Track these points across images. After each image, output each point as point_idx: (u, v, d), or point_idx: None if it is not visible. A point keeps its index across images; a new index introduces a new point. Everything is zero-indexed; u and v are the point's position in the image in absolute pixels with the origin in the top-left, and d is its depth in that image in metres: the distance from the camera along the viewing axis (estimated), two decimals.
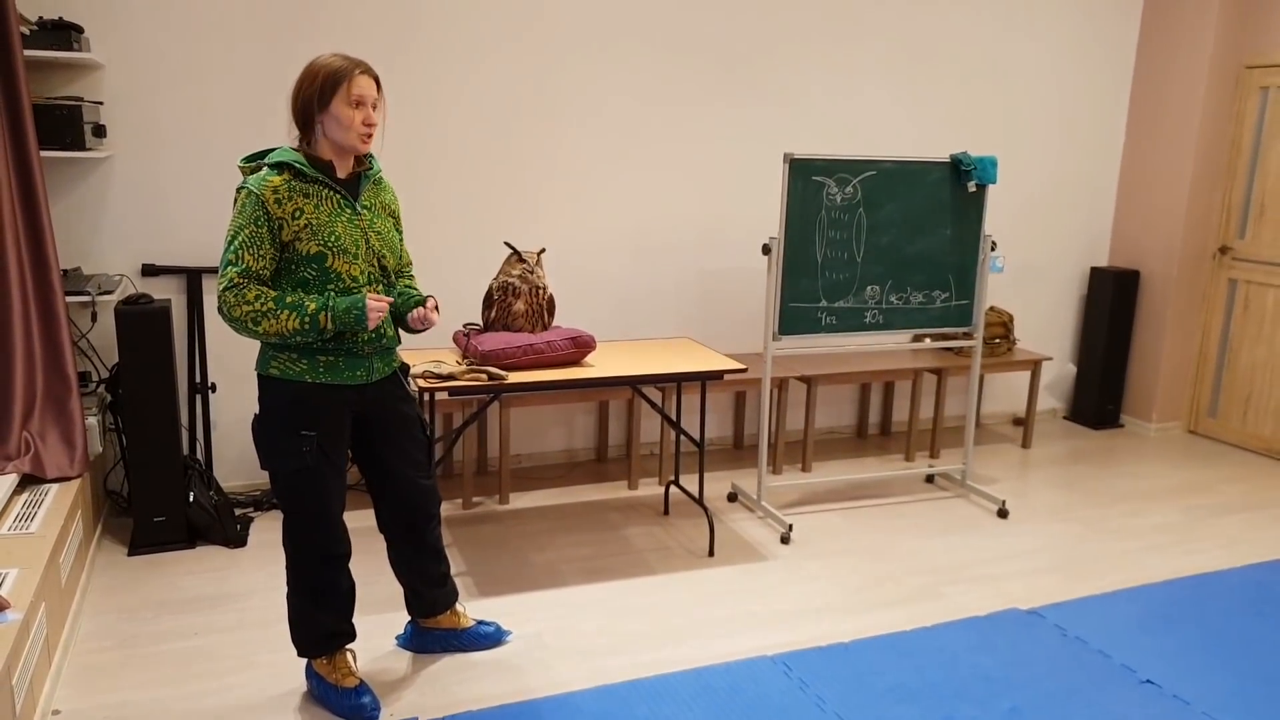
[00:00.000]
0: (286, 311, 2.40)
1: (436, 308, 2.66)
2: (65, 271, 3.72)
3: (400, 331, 2.72)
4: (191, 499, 3.71)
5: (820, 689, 2.86)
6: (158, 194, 3.93)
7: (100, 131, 3.71)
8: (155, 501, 3.64)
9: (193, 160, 3.95)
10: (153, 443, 3.60)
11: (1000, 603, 3.46)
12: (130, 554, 3.63)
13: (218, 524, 3.73)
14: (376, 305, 2.48)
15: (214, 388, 4.12)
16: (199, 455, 4.10)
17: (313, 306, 2.42)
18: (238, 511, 4.00)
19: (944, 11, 5.05)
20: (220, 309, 2.41)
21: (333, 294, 2.47)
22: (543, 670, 2.93)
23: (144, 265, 3.93)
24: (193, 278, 3.99)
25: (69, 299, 3.49)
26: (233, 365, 4.15)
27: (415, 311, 2.63)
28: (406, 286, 2.77)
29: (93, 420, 3.58)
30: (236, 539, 3.74)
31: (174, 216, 3.96)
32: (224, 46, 3.90)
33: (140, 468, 3.61)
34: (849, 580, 3.61)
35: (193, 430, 4.09)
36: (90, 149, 3.59)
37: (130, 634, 3.07)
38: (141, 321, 3.52)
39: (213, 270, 4.01)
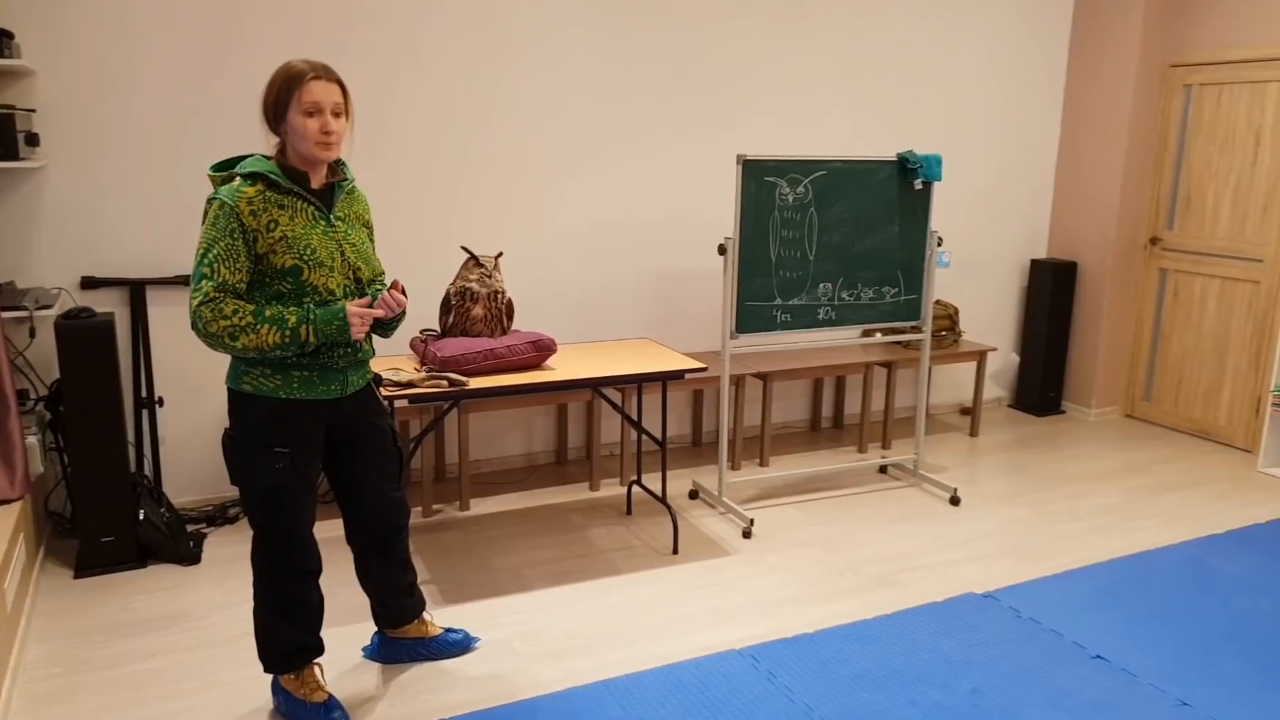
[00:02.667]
0: (266, 326, 2.33)
1: (403, 291, 2.52)
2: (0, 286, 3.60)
3: (374, 344, 2.67)
4: (141, 517, 3.61)
5: (788, 679, 2.91)
6: (95, 204, 3.82)
7: (33, 140, 3.59)
8: (103, 521, 3.54)
9: (131, 168, 3.85)
10: (98, 461, 3.49)
11: (956, 588, 3.55)
12: (77, 576, 3.52)
13: (170, 542, 3.64)
14: (360, 313, 2.42)
15: (161, 402, 4.02)
16: (147, 472, 4.00)
17: (293, 319, 2.36)
18: (190, 528, 3.91)
19: (888, 14, 5.15)
20: (195, 324, 2.32)
21: (311, 306, 2.41)
22: (513, 675, 2.93)
23: (83, 278, 3.82)
24: (136, 290, 3.89)
25: (4, 314, 3.37)
26: (180, 379, 4.05)
27: (381, 298, 2.48)
28: (375, 291, 2.70)
29: (33, 439, 3.47)
30: (190, 556, 3.66)
31: (113, 227, 3.85)
32: (161, 52, 3.81)
33: (85, 487, 3.50)
34: (810, 572, 3.67)
35: (140, 446, 3.99)
36: (23, 158, 3.47)
37: (82, 659, 2.98)
38: (83, 336, 3.41)
39: (157, 282, 3.91)
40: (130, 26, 3.75)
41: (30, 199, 3.73)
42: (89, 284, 3.82)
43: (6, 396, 3.31)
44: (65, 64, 3.69)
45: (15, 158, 3.42)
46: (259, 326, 2.33)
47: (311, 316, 2.38)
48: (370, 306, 2.50)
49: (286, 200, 2.41)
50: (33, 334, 3.72)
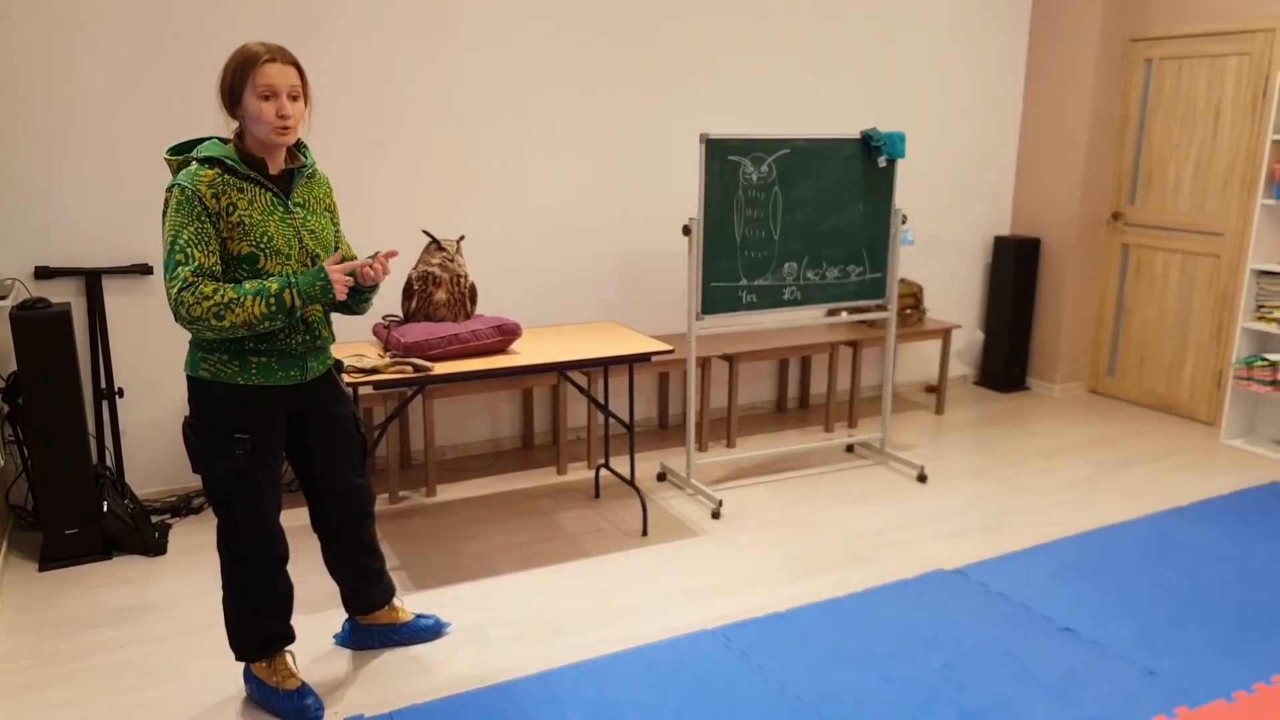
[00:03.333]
0: (251, 298, 2.30)
1: (384, 263, 2.50)
2: None
3: (333, 329, 2.64)
4: (105, 508, 3.56)
5: (761, 658, 2.93)
6: (48, 191, 3.73)
7: None
8: (66, 513, 3.49)
9: (84, 156, 3.76)
10: (59, 453, 3.44)
11: (925, 565, 3.58)
12: (42, 569, 3.47)
13: (135, 533, 3.60)
14: (340, 271, 2.40)
15: (121, 393, 3.96)
16: (109, 463, 3.94)
17: (275, 286, 2.33)
18: (155, 519, 3.86)
19: None
20: (178, 311, 2.27)
21: (289, 273, 2.39)
22: (486, 659, 2.92)
23: (37, 268, 3.74)
24: (92, 279, 3.82)
25: None
26: (140, 369, 3.99)
27: (364, 269, 2.46)
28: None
29: None
30: (156, 547, 3.62)
31: (66, 215, 3.77)
32: (108, 34, 3.72)
33: (47, 479, 3.44)
34: (780, 551, 3.69)
35: (101, 438, 3.93)
36: None
37: (50, 651, 2.94)
38: (39, 327, 3.35)
39: (113, 271, 3.83)
40: (83, 9, 3.66)
41: None
42: (43, 274, 3.75)
43: None
44: (15, 47, 3.60)
45: None
46: (243, 300, 2.30)
47: (294, 280, 2.36)
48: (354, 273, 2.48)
49: (245, 186, 2.37)
50: None
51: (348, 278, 2.43)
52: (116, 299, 3.90)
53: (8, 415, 3.64)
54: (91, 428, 3.89)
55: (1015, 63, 5.80)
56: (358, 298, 2.61)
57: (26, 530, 3.80)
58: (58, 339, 3.39)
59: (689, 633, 3.07)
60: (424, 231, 3.72)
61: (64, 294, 3.81)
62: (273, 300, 2.32)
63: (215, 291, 2.28)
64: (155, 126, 3.85)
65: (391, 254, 2.56)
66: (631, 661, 2.91)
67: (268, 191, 2.41)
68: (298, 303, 2.36)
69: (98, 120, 3.76)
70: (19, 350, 3.34)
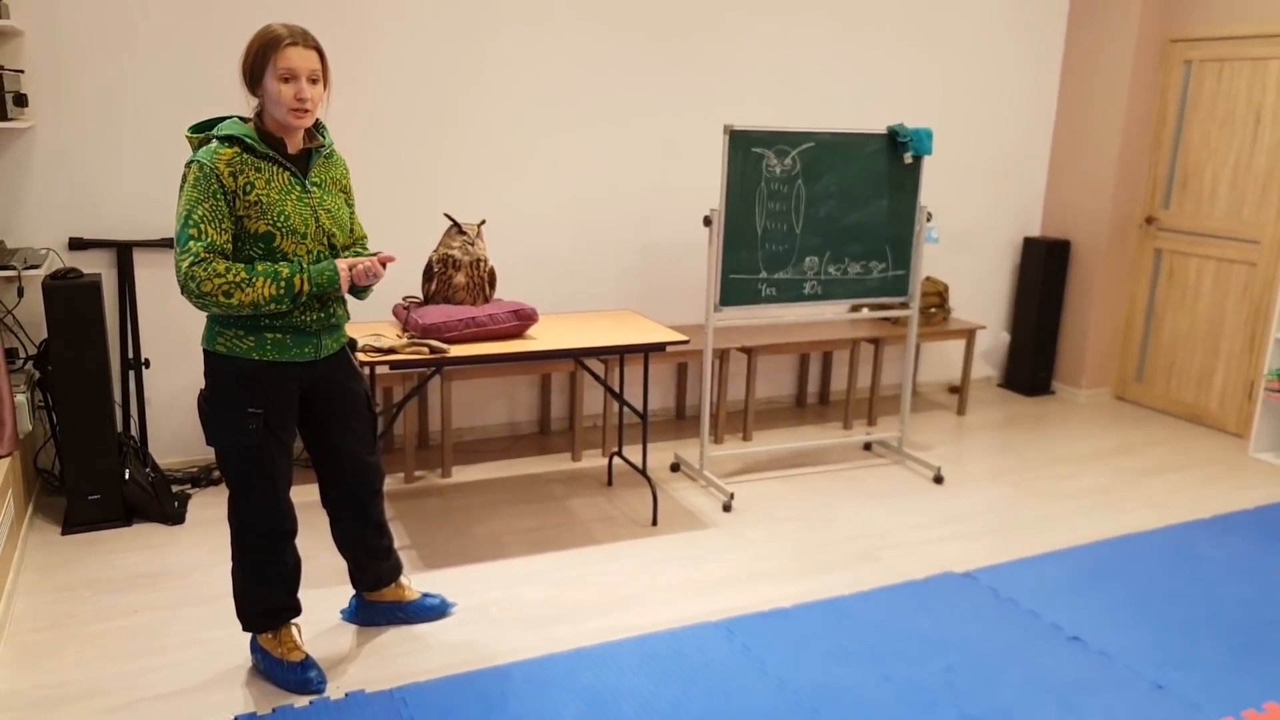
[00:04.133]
0: (261, 279, 2.35)
1: (384, 264, 2.56)
2: None
3: (348, 308, 2.68)
4: (127, 476, 3.64)
5: (762, 653, 2.93)
6: (83, 165, 3.81)
7: (21, 100, 3.58)
8: (89, 479, 3.57)
9: (119, 130, 3.83)
10: (85, 420, 3.52)
11: (936, 566, 3.56)
12: (64, 533, 3.56)
13: (155, 501, 3.67)
14: (345, 267, 2.48)
15: (148, 363, 4.03)
16: (133, 432, 4.02)
17: (286, 271, 2.39)
18: (175, 488, 3.94)
19: None
20: (187, 285, 2.31)
21: (300, 259, 2.44)
22: (488, 641, 2.95)
23: (71, 239, 3.82)
24: (123, 251, 3.89)
25: None
26: (166, 341, 4.07)
27: (360, 265, 2.51)
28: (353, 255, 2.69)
29: (21, 398, 3.48)
30: (174, 516, 3.69)
31: (101, 188, 3.85)
32: (148, 12, 3.78)
33: (73, 445, 3.53)
34: (789, 546, 3.68)
35: (126, 407, 4.01)
36: (11, 119, 3.47)
37: (67, 613, 3.02)
38: (70, 296, 3.42)
39: (144, 244, 3.91)
40: None
41: (19, 160, 3.72)
42: (77, 245, 3.83)
43: None
44: (54, 24, 3.67)
45: (4, 118, 3.42)
46: (254, 280, 2.35)
47: (304, 266, 2.42)
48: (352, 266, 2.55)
49: (263, 165, 2.41)
50: (21, 294, 3.73)
51: (349, 276, 2.49)
52: (146, 271, 3.97)
53: (38, 381, 3.73)
54: (118, 397, 3.97)
55: (1051, 62, 5.71)
56: (356, 293, 2.65)
57: (52, 494, 3.89)
58: (87, 309, 3.46)
59: (692, 624, 3.08)
60: (445, 215, 3.75)
61: (96, 265, 3.88)
62: (282, 284, 2.37)
63: (228, 270, 2.33)
64: (189, 104, 3.91)
65: (389, 259, 2.58)
66: (632, 650, 2.92)
67: (285, 171, 2.44)
68: (306, 288, 2.41)
69: (134, 97, 3.82)
70: (50, 318, 3.42)
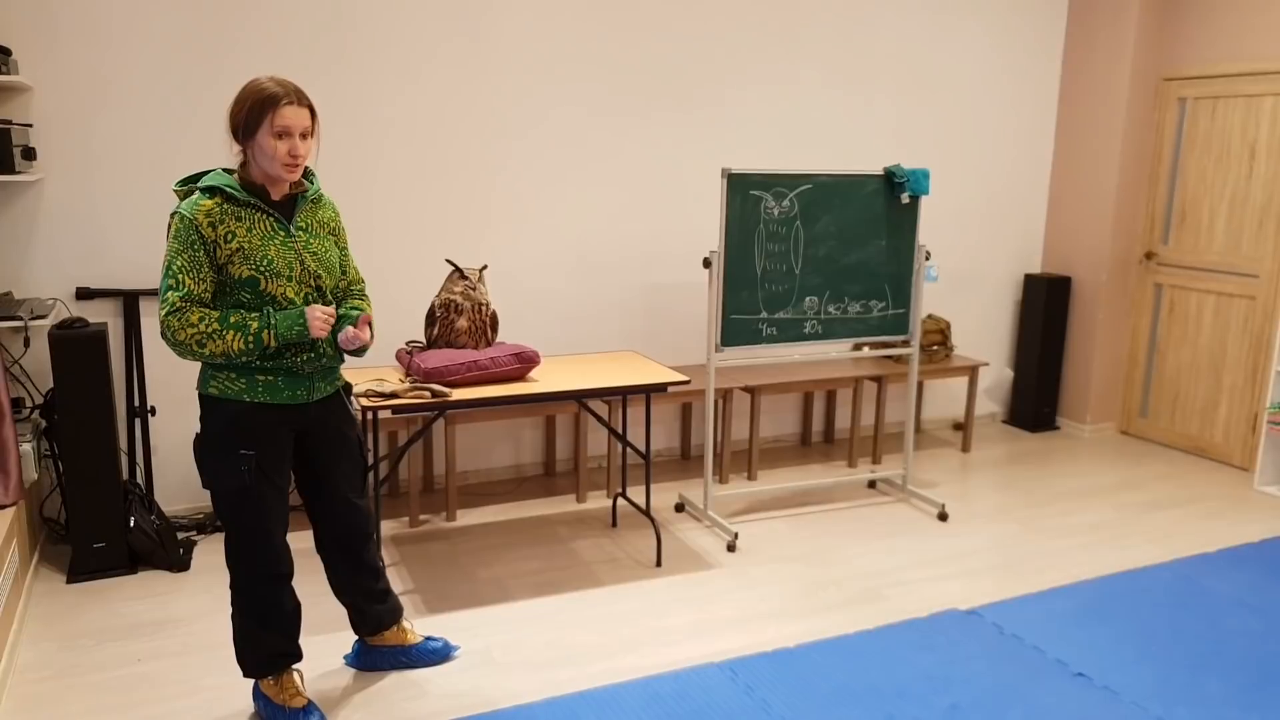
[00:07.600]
0: (231, 332, 2.41)
1: (370, 323, 2.63)
2: None
3: (343, 352, 2.71)
4: (132, 524, 3.65)
5: (766, 693, 2.91)
6: (90, 216, 3.88)
7: (30, 154, 3.65)
8: (95, 527, 3.59)
9: (126, 181, 3.91)
10: (91, 468, 3.54)
11: (940, 604, 3.54)
12: (69, 581, 3.57)
13: (160, 549, 3.68)
14: (320, 314, 2.50)
15: (154, 411, 4.07)
16: (139, 480, 4.04)
17: (254, 325, 2.44)
18: (180, 535, 3.95)
19: (877, 26, 5.18)
20: (164, 334, 2.40)
21: (271, 310, 2.48)
22: (491, 685, 2.95)
23: (78, 289, 3.88)
24: (129, 300, 3.94)
25: (0, 324, 3.44)
26: (172, 388, 4.10)
27: (344, 333, 2.58)
28: (351, 308, 2.72)
29: (27, 447, 3.52)
30: (179, 563, 3.70)
31: (108, 238, 3.91)
32: (155, 66, 3.88)
33: (78, 494, 3.55)
34: (794, 586, 3.67)
35: (132, 455, 4.03)
36: (20, 172, 3.54)
37: (71, 663, 3.02)
38: (77, 346, 3.47)
39: (150, 292, 3.96)
40: (125, 42, 3.81)
41: (27, 212, 3.79)
42: (83, 295, 3.88)
43: (2, 404, 3.37)
44: (62, 79, 3.76)
45: (12, 171, 3.48)
46: (225, 333, 2.41)
47: (272, 322, 2.46)
48: (337, 326, 2.60)
49: (244, 213, 2.47)
50: (27, 343, 3.78)
51: (327, 317, 2.51)
52: (152, 320, 4.02)
53: (44, 430, 3.76)
54: (123, 444, 4.00)
55: (1047, 100, 5.79)
56: (341, 347, 2.66)
57: (57, 543, 3.90)
58: (93, 358, 3.50)
59: (695, 665, 3.07)
60: (447, 260, 3.79)
61: (103, 314, 3.93)
62: (250, 338, 2.43)
63: (201, 320, 2.39)
64: (192, 156, 3.98)
65: (367, 318, 2.62)
66: (635, 692, 2.91)
67: (269, 217, 2.50)
68: (273, 343, 2.46)
69: (139, 150, 3.90)
70: (56, 368, 3.46)
